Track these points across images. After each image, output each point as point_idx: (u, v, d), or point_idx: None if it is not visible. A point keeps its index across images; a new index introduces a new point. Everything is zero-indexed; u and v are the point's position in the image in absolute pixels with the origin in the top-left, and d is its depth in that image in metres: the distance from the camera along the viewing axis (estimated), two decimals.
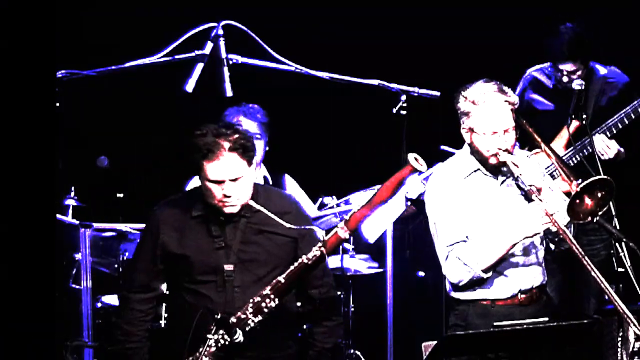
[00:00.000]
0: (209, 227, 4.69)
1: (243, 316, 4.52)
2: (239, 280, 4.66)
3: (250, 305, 4.52)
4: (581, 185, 4.94)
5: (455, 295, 5.08)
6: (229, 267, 4.66)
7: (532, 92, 6.65)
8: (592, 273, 4.68)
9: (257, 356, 4.64)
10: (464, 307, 5.06)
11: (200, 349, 4.52)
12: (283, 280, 4.52)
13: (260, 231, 4.70)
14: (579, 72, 6.42)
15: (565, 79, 6.44)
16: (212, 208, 4.67)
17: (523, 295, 5.06)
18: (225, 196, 4.59)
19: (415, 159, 4.43)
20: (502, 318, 4.95)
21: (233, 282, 4.65)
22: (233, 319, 4.52)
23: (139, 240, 4.87)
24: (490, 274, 4.99)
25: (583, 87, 6.39)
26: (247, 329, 4.51)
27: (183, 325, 4.63)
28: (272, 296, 4.52)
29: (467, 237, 4.99)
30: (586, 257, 4.73)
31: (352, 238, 6.68)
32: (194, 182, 6.59)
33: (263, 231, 4.69)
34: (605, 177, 5.06)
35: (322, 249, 4.50)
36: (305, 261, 4.51)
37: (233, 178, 4.57)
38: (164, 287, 6.07)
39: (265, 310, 4.51)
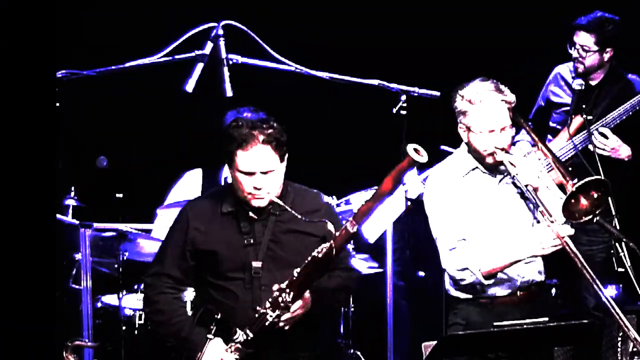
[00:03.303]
0: (238, 224, 4.70)
1: (262, 311, 4.55)
2: (267, 278, 4.66)
3: (269, 300, 4.55)
4: (576, 185, 4.94)
5: (455, 294, 5.08)
6: (257, 264, 4.67)
7: (553, 85, 6.64)
8: (593, 284, 4.68)
9: (282, 355, 4.65)
10: (463, 306, 5.06)
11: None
12: (296, 275, 4.54)
13: (289, 230, 4.71)
14: (592, 54, 6.35)
15: (574, 53, 6.39)
16: (242, 204, 4.69)
17: (522, 292, 5.06)
18: (255, 188, 4.60)
19: (415, 150, 4.44)
20: (501, 315, 4.95)
21: (260, 279, 4.67)
22: (255, 314, 4.56)
23: (166, 236, 4.83)
24: (491, 281, 4.98)
25: (583, 87, 6.39)
26: (266, 323, 4.54)
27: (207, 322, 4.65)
28: (287, 290, 4.53)
29: (467, 236, 5.00)
30: (587, 267, 4.72)
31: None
32: (178, 188, 6.59)
33: (292, 230, 4.71)
34: (601, 177, 5.06)
35: (332, 242, 4.52)
36: (316, 254, 4.52)
37: (264, 170, 4.59)
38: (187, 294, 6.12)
39: (282, 304, 4.53)
